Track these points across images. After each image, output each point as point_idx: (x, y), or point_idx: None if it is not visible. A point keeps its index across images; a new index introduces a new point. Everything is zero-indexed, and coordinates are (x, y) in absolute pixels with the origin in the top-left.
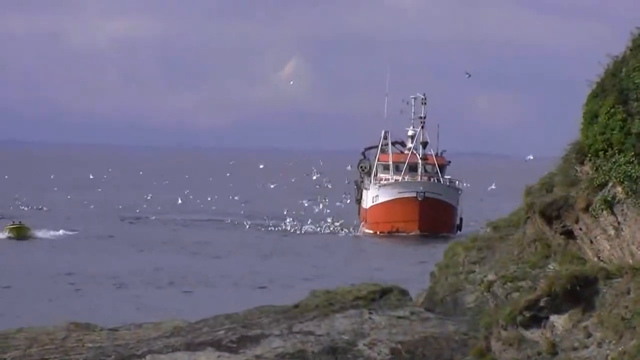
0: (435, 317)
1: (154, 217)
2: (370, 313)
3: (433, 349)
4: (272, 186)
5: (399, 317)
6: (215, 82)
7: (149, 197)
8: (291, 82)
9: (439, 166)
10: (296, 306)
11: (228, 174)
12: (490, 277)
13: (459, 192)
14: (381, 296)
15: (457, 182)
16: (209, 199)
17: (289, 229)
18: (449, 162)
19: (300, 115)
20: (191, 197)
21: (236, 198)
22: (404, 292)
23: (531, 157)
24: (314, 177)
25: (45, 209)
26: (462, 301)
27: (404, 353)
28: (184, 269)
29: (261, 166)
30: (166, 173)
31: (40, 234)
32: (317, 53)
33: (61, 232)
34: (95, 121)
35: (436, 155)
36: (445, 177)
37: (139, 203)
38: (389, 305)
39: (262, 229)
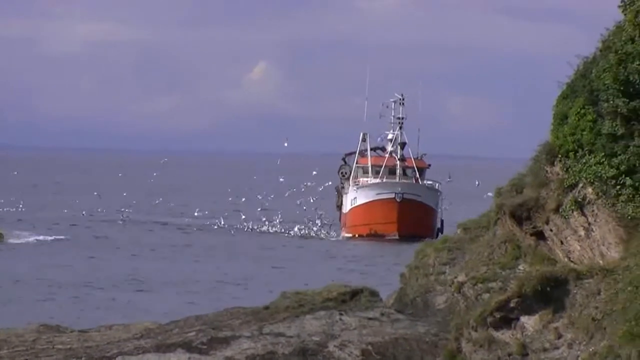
0: (406, 318)
1: (128, 221)
2: (341, 314)
3: (403, 350)
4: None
5: (370, 319)
6: (191, 87)
7: (128, 201)
8: (285, 144)
9: (418, 169)
10: (266, 308)
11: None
12: (461, 278)
13: (439, 194)
14: (351, 297)
15: (437, 184)
16: (170, 203)
17: (263, 230)
18: (429, 165)
19: (275, 118)
20: (166, 200)
21: (213, 202)
22: (374, 294)
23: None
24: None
25: (20, 209)
26: (433, 302)
27: (374, 354)
28: (154, 271)
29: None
30: (142, 177)
31: (13, 239)
32: (292, 57)
33: (34, 237)
34: (70, 126)
35: (416, 158)
36: (427, 181)
37: (115, 207)
38: (359, 307)
39: (236, 231)
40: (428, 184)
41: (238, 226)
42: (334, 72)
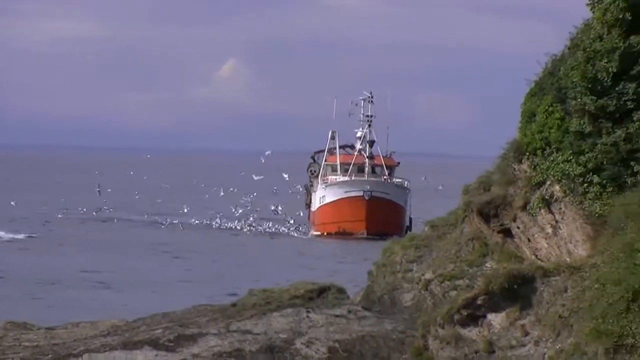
0: (373, 316)
1: (92, 218)
2: (308, 312)
3: (370, 348)
4: (217, 189)
5: (337, 316)
6: (158, 84)
7: (101, 198)
8: (267, 153)
9: (388, 167)
10: (234, 305)
11: (141, 176)
12: (428, 275)
13: (408, 191)
14: (319, 295)
15: (406, 182)
16: (159, 200)
17: (233, 227)
18: (398, 163)
19: (243, 116)
20: (138, 197)
21: (181, 197)
22: (341, 291)
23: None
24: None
25: None
26: (400, 300)
27: (341, 352)
28: (121, 268)
29: (165, 185)
30: (118, 175)
31: None
32: (260, 55)
33: (8, 235)
34: (35, 123)
35: (385, 156)
36: (396, 179)
37: (82, 204)
38: (327, 304)
39: (205, 228)
40: (397, 181)
41: (208, 223)
42: (304, 70)
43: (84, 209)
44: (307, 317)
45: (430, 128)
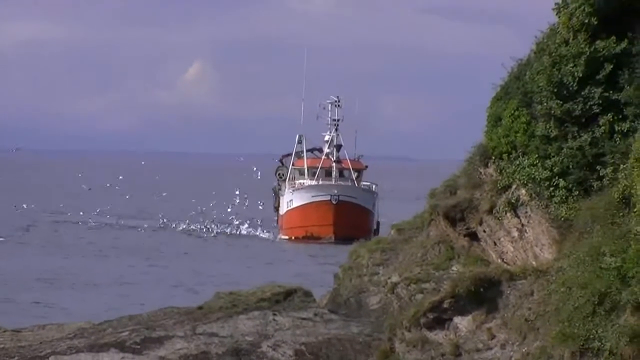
0: (339, 319)
1: (58, 220)
2: (274, 314)
3: (337, 351)
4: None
5: (303, 319)
6: (122, 86)
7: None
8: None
9: (355, 170)
10: (200, 308)
11: (120, 177)
12: (394, 278)
13: (375, 195)
14: (285, 298)
15: (373, 185)
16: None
17: (200, 230)
18: (366, 166)
19: (208, 119)
20: (128, 197)
21: (152, 199)
22: (307, 294)
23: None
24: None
25: None
26: (366, 303)
27: (308, 354)
28: (88, 270)
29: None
30: (75, 176)
31: None
32: (226, 58)
33: None
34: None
35: (353, 159)
36: (364, 182)
37: (47, 206)
38: (293, 307)
39: (173, 232)
40: (364, 185)
41: (175, 226)
42: (271, 73)
43: (63, 210)
44: (274, 320)
45: (397, 131)
